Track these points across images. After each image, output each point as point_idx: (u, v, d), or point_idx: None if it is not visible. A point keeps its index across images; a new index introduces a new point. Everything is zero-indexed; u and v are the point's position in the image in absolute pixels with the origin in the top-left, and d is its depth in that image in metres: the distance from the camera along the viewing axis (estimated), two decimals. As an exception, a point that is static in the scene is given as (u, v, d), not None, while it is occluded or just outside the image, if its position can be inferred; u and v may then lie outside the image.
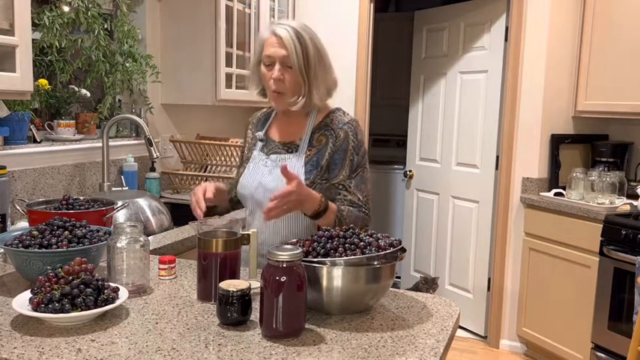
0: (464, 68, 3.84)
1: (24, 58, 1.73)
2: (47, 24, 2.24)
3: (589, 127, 3.59)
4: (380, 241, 1.30)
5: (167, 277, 1.50)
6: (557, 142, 3.45)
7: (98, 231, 1.50)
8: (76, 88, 2.54)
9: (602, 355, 2.91)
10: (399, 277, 4.40)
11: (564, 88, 3.47)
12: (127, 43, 2.61)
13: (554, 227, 3.21)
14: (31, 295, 1.20)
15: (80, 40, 2.41)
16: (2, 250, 1.62)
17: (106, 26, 2.51)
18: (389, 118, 5.21)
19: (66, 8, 2.33)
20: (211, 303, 1.31)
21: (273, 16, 3.41)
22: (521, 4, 3.39)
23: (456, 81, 3.89)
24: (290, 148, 1.69)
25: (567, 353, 3.16)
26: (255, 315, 1.20)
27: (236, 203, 1.85)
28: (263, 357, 1.05)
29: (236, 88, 3.05)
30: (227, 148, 2.91)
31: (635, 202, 2.96)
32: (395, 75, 5.05)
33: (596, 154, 3.48)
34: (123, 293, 1.25)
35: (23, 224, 1.89)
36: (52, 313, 1.14)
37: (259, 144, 1.75)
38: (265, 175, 1.67)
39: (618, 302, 2.83)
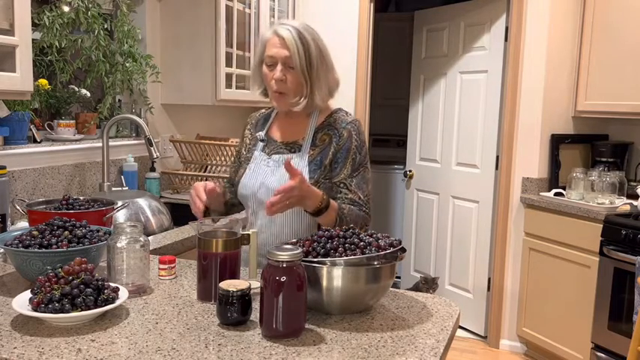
0: (464, 68, 3.84)
1: (24, 58, 1.73)
2: (47, 24, 2.24)
3: (589, 127, 3.59)
4: (380, 241, 1.30)
5: (167, 277, 1.50)
6: (557, 142, 3.45)
7: (98, 231, 1.50)
8: (76, 88, 2.54)
9: (602, 355, 2.91)
10: (399, 277, 4.40)
11: (564, 88, 3.47)
12: (127, 43, 2.61)
13: (554, 227, 3.21)
14: (31, 295, 1.20)
15: (80, 40, 2.41)
16: (2, 250, 1.62)
17: (106, 26, 2.51)
18: (389, 118, 5.21)
19: (66, 8, 2.33)
20: (211, 303, 1.31)
21: (273, 16, 3.41)
22: (521, 4, 3.39)
23: (456, 81, 3.89)
24: (293, 147, 1.69)
25: (567, 353, 3.16)
26: (255, 315, 1.20)
27: (230, 207, 1.82)
28: (263, 357, 1.05)
29: (236, 88, 3.05)
30: (227, 148, 2.91)
31: (635, 202, 2.96)
32: (395, 75, 5.05)
33: (596, 154, 3.48)
34: (123, 293, 1.25)
35: (23, 224, 1.89)
36: (52, 313, 1.14)
37: (260, 144, 1.75)
38: (268, 176, 1.67)
39: (618, 302, 2.83)
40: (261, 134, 1.75)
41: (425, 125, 4.18)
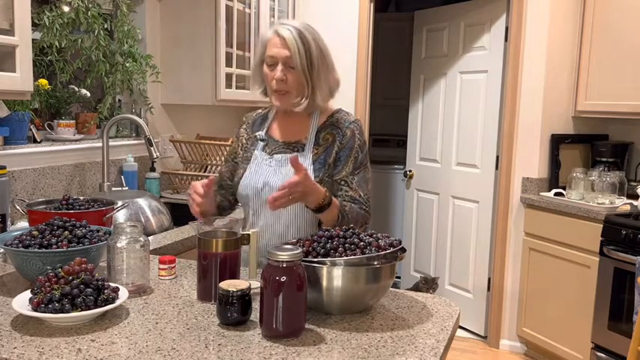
0: (464, 68, 3.84)
1: (24, 58, 1.73)
2: (47, 24, 2.24)
3: (589, 127, 3.59)
4: (380, 241, 1.30)
5: (167, 277, 1.50)
6: (557, 142, 3.45)
7: (98, 231, 1.50)
8: (76, 88, 2.54)
9: (602, 355, 2.91)
10: (399, 277, 4.40)
11: (564, 88, 3.47)
12: (127, 43, 2.61)
13: (554, 227, 3.21)
14: (31, 295, 1.20)
15: (80, 40, 2.41)
16: (2, 250, 1.62)
17: (106, 26, 2.51)
18: (389, 118, 5.21)
19: (66, 8, 2.33)
20: (211, 303, 1.31)
21: (273, 16, 3.41)
22: (521, 4, 3.39)
23: (456, 81, 3.89)
24: (295, 147, 1.69)
25: (567, 353, 3.16)
26: (255, 315, 1.20)
27: (222, 211, 1.81)
28: (263, 357, 1.05)
29: (236, 88, 3.05)
30: (227, 148, 2.91)
31: (635, 202, 2.96)
32: (395, 75, 5.05)
33: (596, 154, 3.48)
34: (123, 293, 1.25)
35: (23, 224, 1.89)
36: (52, 313, 1.14)
37: (260, 144, 1.74)
38: (271, 175, 1.67)
39: (618, 302, 2.83)
40: (261, 134, 1.74)
41: (425, 125, 4.18)
